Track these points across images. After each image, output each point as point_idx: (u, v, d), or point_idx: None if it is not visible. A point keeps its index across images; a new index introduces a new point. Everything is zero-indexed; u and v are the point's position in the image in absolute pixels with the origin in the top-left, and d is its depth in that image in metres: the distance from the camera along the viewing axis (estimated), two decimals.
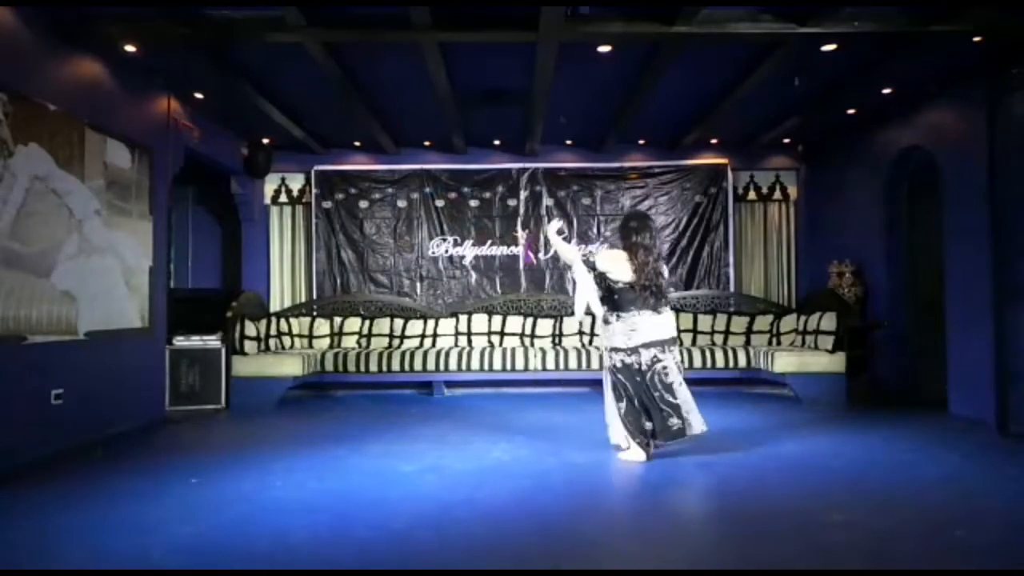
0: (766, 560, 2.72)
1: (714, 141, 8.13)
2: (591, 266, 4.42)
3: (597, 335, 7.47)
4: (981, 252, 5.34)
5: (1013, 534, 3.05)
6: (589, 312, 4.51)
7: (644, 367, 4.26)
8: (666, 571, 2.62)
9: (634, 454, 4.27)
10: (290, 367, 6.67)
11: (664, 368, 4.26)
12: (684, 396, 4.30)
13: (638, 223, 4.43)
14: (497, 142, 8.17)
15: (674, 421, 4.24)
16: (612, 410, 4.43)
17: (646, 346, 4.27)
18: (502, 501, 3.47)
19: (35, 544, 2.94)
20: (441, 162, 8.27)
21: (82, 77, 4.93)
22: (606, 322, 4.41)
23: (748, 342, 7.56)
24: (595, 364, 7.15)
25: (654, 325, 4.30)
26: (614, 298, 4.36)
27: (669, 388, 4.25)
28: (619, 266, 4.33)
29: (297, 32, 4.67)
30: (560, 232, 4.61)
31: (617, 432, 4.42)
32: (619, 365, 4.32)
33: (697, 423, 4.29)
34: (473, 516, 3.23)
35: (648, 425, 4.32)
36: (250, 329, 6.85)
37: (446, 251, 8.23)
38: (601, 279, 4.41)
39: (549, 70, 5.37)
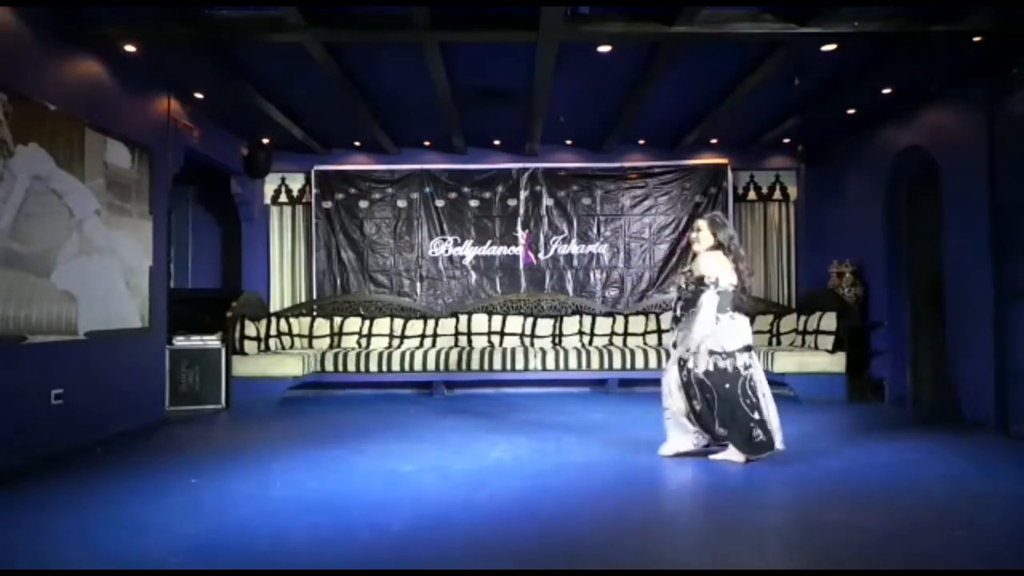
0: (766, 560, 2.73)
1: (714, 141, 8.12)
2: (715, 285, 4.15)
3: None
4: (981, 252, 5.34)
5: (1014, 534, 3.05)
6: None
7: (738, 371, 4.12)
8: (665, 571, 2.62)
9: (732, 454, 4.14)
10: (290, 367, 6.68)
11: (753, 376, 4.14)
12: (769, 410, 4.14)
13: (729, 228, 4.35)
14: (497, 142, 8.17)
15: (758, 433, 4.09)
16: (682, 420, 4.28)
17: (743, 349, 4.17)
18: (502, 501, 3.47)
19: (35, 544, 2.94)
20: (441, 162, 8.26)
21: (82, 77, 4.93)
22: (716, 321, 4.17)
23: None
24: (595, 364, 7.17)
25: (747, 328, 4.24)
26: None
27: (757, 400, 4.11)
28: (727, 271, 4.21)
29: (297, 32, 4.67)
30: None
31: (675, 443, 4.31)
32: (711, 369, 4.11)
33: (779, 440, 4.14)
34: (473, 516, 3.23)
35: (720, 431, 4.15)
36: (250, 329, 6.86)
37: (446, 251, 8.22)
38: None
39: (549, 70, 5.37)
